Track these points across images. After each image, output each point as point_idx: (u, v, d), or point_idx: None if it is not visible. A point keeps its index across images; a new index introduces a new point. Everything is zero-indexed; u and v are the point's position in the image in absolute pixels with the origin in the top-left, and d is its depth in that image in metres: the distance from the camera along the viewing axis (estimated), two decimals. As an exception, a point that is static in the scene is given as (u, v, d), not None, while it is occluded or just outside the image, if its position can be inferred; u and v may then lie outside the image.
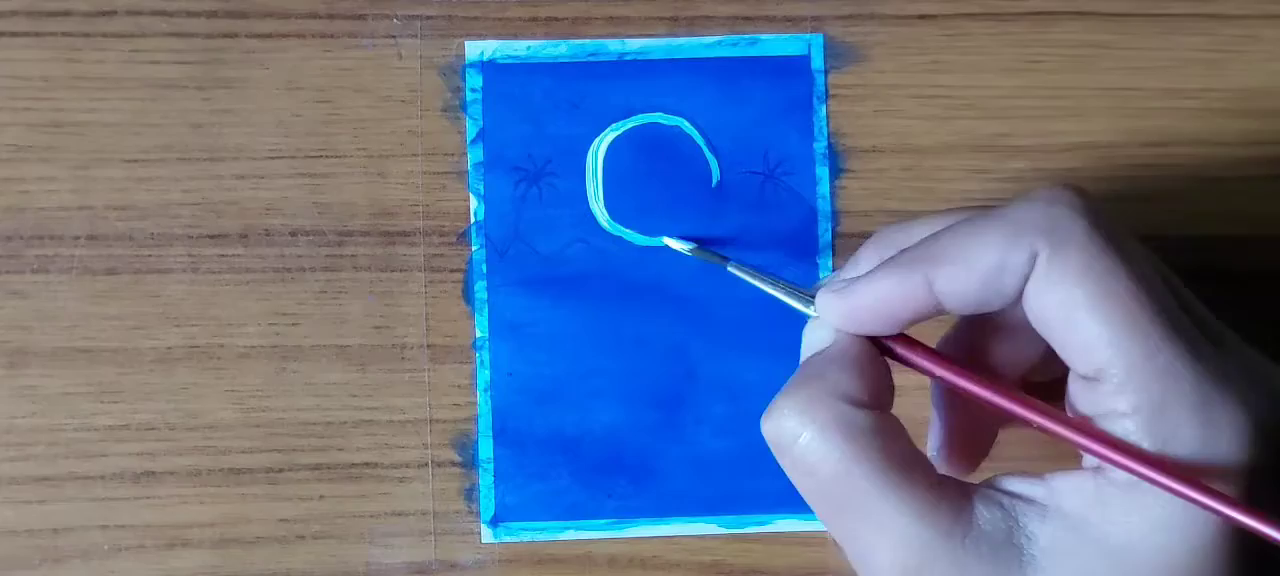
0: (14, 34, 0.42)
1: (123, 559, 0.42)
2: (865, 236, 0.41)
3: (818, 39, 0.42)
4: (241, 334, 0.42)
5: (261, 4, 0.42)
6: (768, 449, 0.42)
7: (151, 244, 0.42)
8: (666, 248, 0.42)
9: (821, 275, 0.42)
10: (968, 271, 0.32)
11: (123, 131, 0.42)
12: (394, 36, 0.42)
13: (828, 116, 0.42)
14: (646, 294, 0.42)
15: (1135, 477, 0.31)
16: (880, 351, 0.34)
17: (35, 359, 0.42)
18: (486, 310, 0.42)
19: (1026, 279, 0.32)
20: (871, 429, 0.32)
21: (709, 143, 0.42)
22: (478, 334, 0.42)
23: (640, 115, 0.42)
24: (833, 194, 0.42)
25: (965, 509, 0.32)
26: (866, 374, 0.34)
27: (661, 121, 0.42)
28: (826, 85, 0.42)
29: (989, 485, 0.33)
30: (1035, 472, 0.33)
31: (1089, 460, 0.32)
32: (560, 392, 0.42)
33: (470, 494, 0.42)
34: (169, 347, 0.42)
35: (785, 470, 0.34)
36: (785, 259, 0.42)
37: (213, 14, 0.42)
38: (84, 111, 0.42)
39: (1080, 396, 0.32)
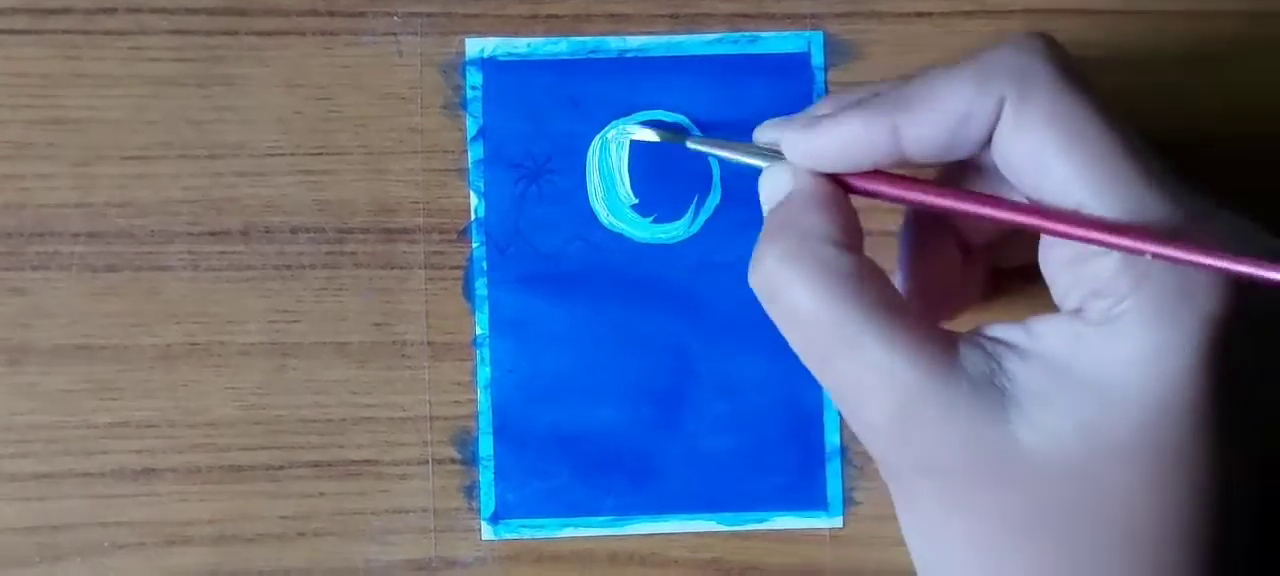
0: (14, 31, 0.42)
1: (122, 556, 0.42)
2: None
3: (817, 36, 0.42)
4: (242, 331, 0.42)
5: (262, 1, 0.42)
6: (767, 446, 0.42)
7: (152, 241, 0.42)
8: (666, 246, 0.42)
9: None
10: (935, 117, 0.32)
11: (123, 128, 0.42)
12: (394, 33, 0.42)
13: (827, 114, 0.42)
14: (646, 291, 0.42)
15: (1109, 319, 0.31)
16: (845, 188, 0.35)
17: (35, 356, 0.42)
18: (486, 307, 0.42)
19: (993, 126, 0.32)
20: (855, 271, 0.33)
21: (709, 140, 0.42)
22: (478, 331, 0.42)
23: (640, 112, 0.42)
24: (832, 190, 0.42)
25: (950, 351, 0.32)
26: (840, 214, 0.34)
27: (662, 119, 0.42)
28: (826, 83, 0.42)
29: (971, 332, 0.33)
30: (1016, 319, 0.33)
31: (1067, 303, 0.32)
32: (560, 390, 0.42)
33: (470, 491, 0.42)
34: (169, 344, 0.42)
35: (774, 319, 0.34)
36: (785, 255, 0.42)
37: (213, 11, 0.42)
38: (84, 108, 0.42)
39: (1052, 243, 0.32)
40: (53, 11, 0.42)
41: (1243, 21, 0.43)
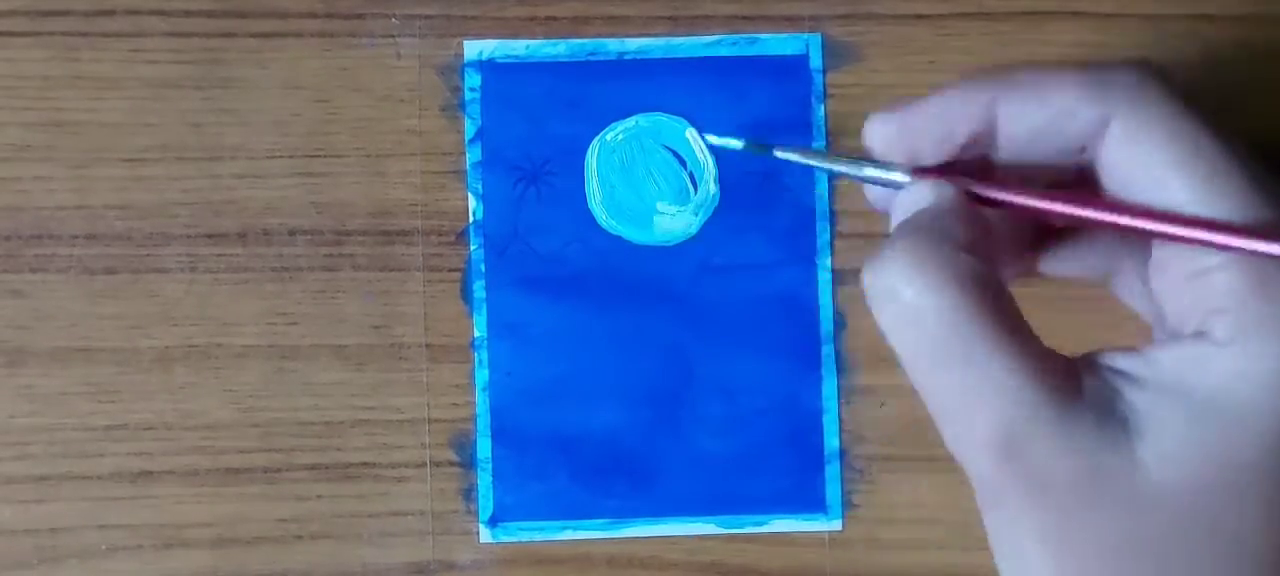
0: (13, 33, 0.42)
1: (120, 558, 0.42)
2: (865, 236, 0.42)
3: (816, 38, 0.42)
4: (239, 333, 0.42)
5: (260, 3, 0.42)
6: (766, 449, 0.42)
7: (150, 243, 0.42)
8: (664, 248, 0.42)
9: (821, 275, 0.42)
10: (1038, 103, 0.32)
11: (121, 131, 0.42)
12: (393, 36, 0.42)
13: (826, 116, 0.42)
14: (645, 294, 0.42)
15: (1235, 336, 0.30)
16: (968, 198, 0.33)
17: (33, 358, 0.42)
18: (485, 310, 0.42)
19: (1091, 135, 0.32)
20: (985, 279, 0.31)
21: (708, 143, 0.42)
22: (476, 333, 0.42)
23: (639, 115, 0.42)
24: (831, 193, 0.42)
25: (1072, 377, 0.31)
26: (977, 226, 0.33)
27: (661, 121, 0.42)
28: (825, 85, 0.42)
29: (1089, 359, 0.32)
30: (1135, 349, 0.32)
31: (1187, 326, 0.32)
32: (559, 392, 0.42)
33: (468, 494, 0.42)
34: (167, 347, 0.42)
35: (884, 324, 0.32)
36: (784, 258, 0.42)
37: (211, 13, 0.42)
38: (83, 111, 0.42)
39: (1167, 263, 0.32)
40: (52, 13, 0.42)
41: (1243, 25, 0.43)
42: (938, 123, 0.33)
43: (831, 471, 0.42)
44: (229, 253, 0.42)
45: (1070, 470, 0.31)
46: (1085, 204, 0.33)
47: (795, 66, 0.42)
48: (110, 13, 0.42)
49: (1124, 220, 0.32)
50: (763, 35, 0.42)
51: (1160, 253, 0.32)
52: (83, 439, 0.42)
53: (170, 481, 0.42)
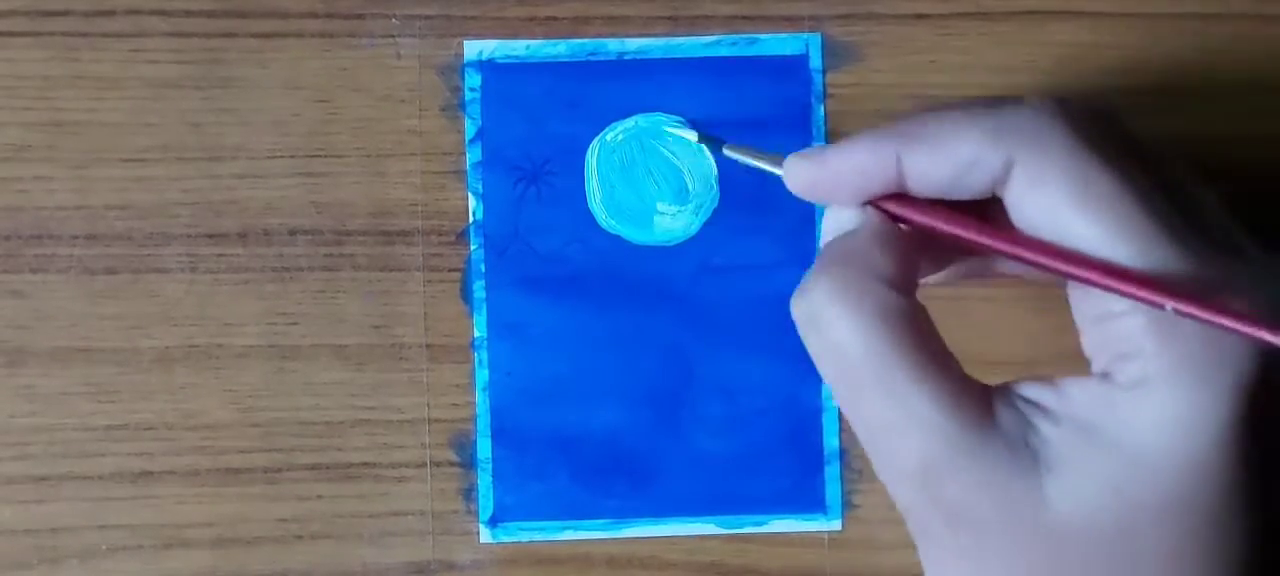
0: (13, 34, 0.42)
1: (120, 558, 0.42)
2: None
3: (816, 38, 0.42)
4: (240, 333, 0.42)
5: (260, 3, 0.42)
6: (766, 449, 0.42)
7: (150, 243, 0.42)
8: (664, 248, 0.42)
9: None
10: (941, 157, 0.32)
11: (121, 131, 0.42)
12: (393, 36, 0.42)
13: (826, 116, 0.42)
14: (645, 294, 0.42)
15: (1139, 382, 0.31)
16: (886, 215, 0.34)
17: (33, 358, 0.42)
18: (485, 309, 0.42)
19: (997, 180, 0.32)
20: (907, 313, 0.32)
21: (708, 142, 0.42)
22: (476, 333, 0.42)
23: (639, 115, 0.42)
24: (831, 193, 0.42)
25: (986, 406, 0.32)
26: (900, 256, 0.33)
27: (661, 121, 0.42)
28: (825, 85, 0.42)
29: (1005, 389, 0.33)
30: (1048, 378, 0.32)
31: (1097, 362, 0.32)
32: (559, 392, 0.42)
33: (469, 494, 0.42)
34: (167, 347, 0.42)
35: (812, 352, 0.33)
36: (784, 258, 0.42)
37: (212, 13, 0.42)
38: (83, 111, 0.42)
39: (1078, 304, 0.32)
40: (52, 13, 0.42)
41: (1241, 24, 0.43)
42: (850, 174, 0.34)
43: (831, 471, 0.42)
44: (229, 252, 0.42)
45: (983, 502, 0.31)
46: (1000, 236, 0.33)
47: (795, 66, 0.42)
48: (110, 13, 0.42)
49: (1032, 256, 0.32)
50: (762, 35, 0.42)
51: (1073, 288, 0.33)
52: (83, 439, 0.42)
53: (171, 481, 0.42)
